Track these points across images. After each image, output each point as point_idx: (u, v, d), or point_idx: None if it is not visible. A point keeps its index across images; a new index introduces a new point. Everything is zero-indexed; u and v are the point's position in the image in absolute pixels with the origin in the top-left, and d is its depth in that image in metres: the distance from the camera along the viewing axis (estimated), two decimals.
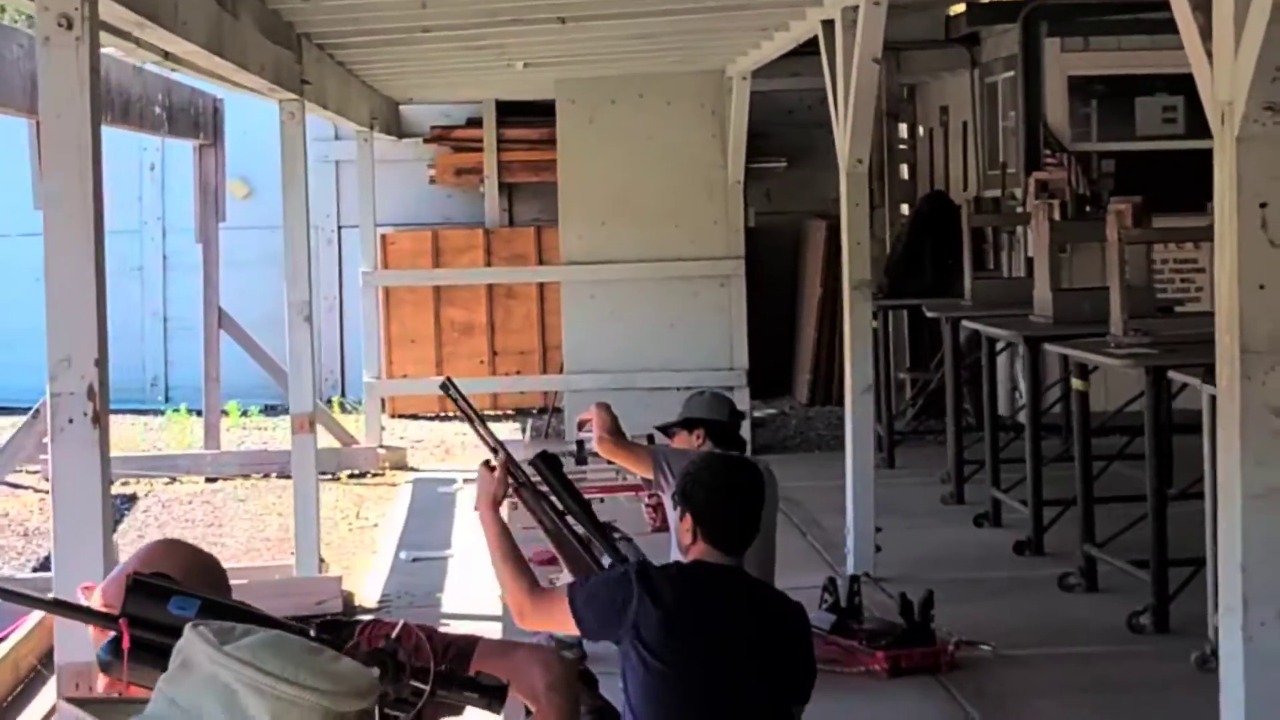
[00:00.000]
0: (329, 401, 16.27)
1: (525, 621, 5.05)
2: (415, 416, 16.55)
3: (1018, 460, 10.19)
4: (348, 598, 9.12)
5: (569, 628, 4.97)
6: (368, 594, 9.54)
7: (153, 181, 18.16)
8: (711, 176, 13.99)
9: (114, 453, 14.83)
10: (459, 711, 3.39)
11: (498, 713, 3.34)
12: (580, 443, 7.46)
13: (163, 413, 16.43)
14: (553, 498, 5.01)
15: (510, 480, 4.90)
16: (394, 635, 3.24)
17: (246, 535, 11.64)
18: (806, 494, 11.81)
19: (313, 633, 3.27)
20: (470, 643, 3.68)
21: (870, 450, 9.45)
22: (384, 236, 16.35)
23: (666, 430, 7.50)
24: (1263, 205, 4.31)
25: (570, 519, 5.08)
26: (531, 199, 17.29)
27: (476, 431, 4.95)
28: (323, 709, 2.10)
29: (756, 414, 15.63)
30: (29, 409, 11.82)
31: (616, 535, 7.31)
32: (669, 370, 13.67)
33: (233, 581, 9.51)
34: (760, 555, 7.39)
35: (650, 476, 7.37)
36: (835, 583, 7.90)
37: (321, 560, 9.22)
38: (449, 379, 4.98)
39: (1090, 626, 8.24)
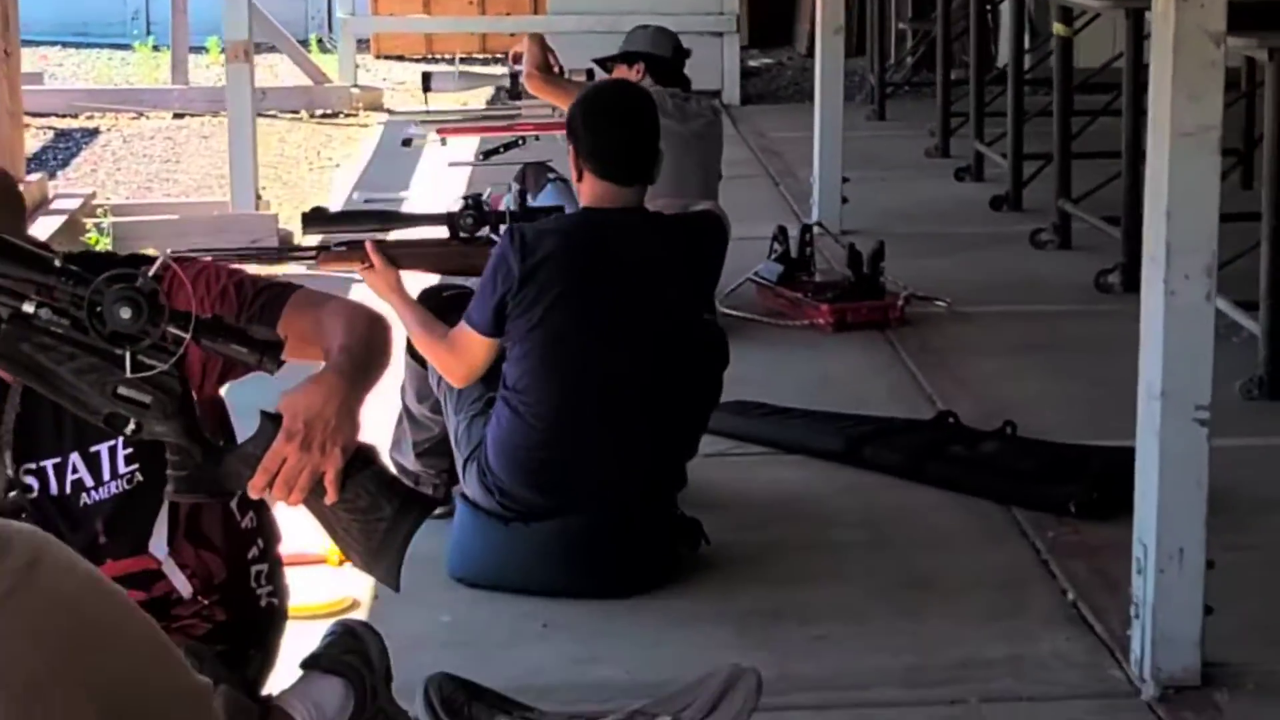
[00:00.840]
0: (304, 42, 15.68)
1: (460, 378, 4.72)
2: (400, 58, 16.01)
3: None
4: (285, 237, 8.70)
5: (489, 350, 4.62)
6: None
7: None
8: None
9: (82, 85, 14.39)
10: (257, 369, 3.00)
11: (271, 371, 2.94)
12: (514, 76, 6.99)
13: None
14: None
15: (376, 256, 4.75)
16: (151, 273, 2.83)
17: (202, 172, 11.19)
18: (789, 145, 11.35)
19: (58, 262, 2.87)
20: (287, 291, 3.27)
21: (839, 97, 8.93)
22: None
23: (604, 64, 7.02)
24: None
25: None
26: None
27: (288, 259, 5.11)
28: None
29: (752, 63, 15.09)
30: None
31: (551, 175, 6.89)
32: (656, 14, 12.89)
33: (167, 217, 9.08)
34: (705, 199, 6.98)
35: None
36: (786, 232, 7.47)
37: (259, 197, 8.77)
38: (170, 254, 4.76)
39: (1056, 284, 7.81)
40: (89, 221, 8.49)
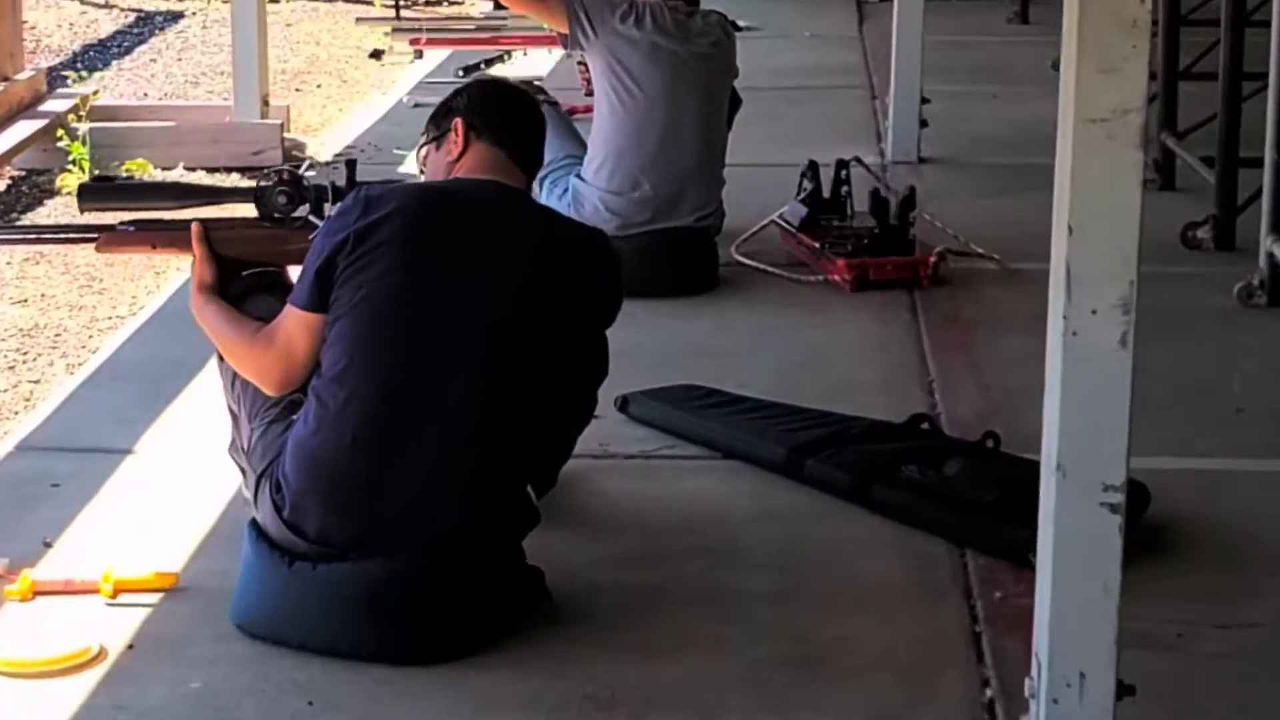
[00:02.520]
0: None
1: (275, 380, 3.84)
2: None
3: None
4: (293, 148, 7.81)
5: (310, 332, 3.73)
6: (334, 142, 8.25)
7: None
8: None
9: None
10: None
11: None
12: None
13: None
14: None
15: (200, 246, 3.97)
16: None
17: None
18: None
19: None
20: None
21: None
22: None
23: None
24: None
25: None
26: None
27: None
28: None
29: None
30: None
31: (541, 99, 5.95)
32: None
33: (161, 124, 8.11)
34: (705, 133, 6.06)
35: (565, 30, 5.96)
36: (817, 167, 6.43)
37: (266, 102, 7.87)
38: None
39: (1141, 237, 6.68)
40: (79, 128, 7.67)
